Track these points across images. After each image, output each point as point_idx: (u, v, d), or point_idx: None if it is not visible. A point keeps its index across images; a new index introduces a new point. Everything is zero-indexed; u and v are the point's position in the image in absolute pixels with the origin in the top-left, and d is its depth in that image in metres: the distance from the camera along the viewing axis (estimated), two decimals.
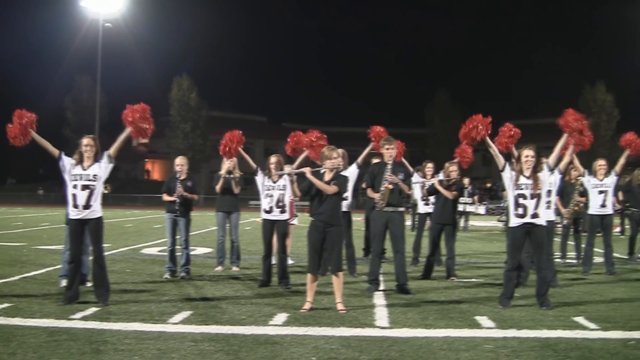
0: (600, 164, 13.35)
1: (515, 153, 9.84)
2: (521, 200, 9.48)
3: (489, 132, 9.71)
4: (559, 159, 10.43)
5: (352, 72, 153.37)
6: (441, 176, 12.78)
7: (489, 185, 62.00)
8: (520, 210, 9.48)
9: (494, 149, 9.84)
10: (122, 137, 9.50)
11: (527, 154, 9.56)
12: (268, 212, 11.16)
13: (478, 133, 9.66)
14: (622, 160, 13.33)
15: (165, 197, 12.18)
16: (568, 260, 15.34)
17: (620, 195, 16.89)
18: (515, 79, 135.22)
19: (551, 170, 9.98)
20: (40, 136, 9.35)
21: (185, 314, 8.56)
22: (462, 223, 26.49)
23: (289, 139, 11.59)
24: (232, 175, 12.93)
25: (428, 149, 73.44)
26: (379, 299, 10.06)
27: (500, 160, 9.74)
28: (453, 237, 12.47)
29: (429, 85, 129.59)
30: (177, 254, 12.22)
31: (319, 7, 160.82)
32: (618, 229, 24.27)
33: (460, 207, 23.58)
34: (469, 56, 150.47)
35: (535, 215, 9.47)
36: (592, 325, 8.26)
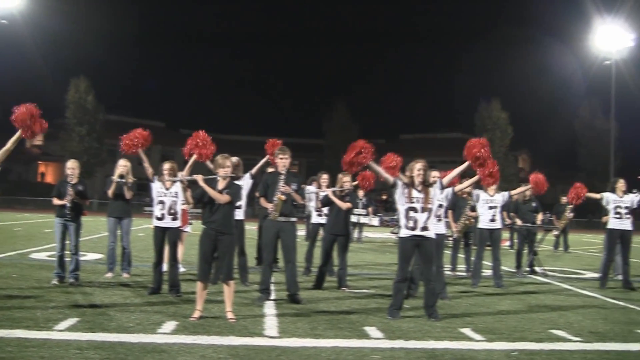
0: None
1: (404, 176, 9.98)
2: (412, 214, 9.62)
3: (373, 157, 9.77)
4: (453, 182, 10.78)
5: (250, 81, 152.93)
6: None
7: (384, 197, 62.84)
8: (411, 223, 9.61)
9: (380, 171, 10.01)
10: (13, 140, 9.30)
11: (420, 167, 9.71)
12: (160, 219, 11.05)
13: (363, 159, 9.72)
14: (520, 189, 14.00)
15: (56, 201, 11.92)
16: (458, 273, 15.66)
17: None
18: (415, 93, 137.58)
19: (443, 188, 10.21)
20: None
21: (71, 321, 8.39)
22: (355, 234, 26.72)
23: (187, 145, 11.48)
24: (124, 180, 12.75)
25: (325, 160, 73.80)
26: (269, 308, 10.07)
27: (388, 178, 9.89)
28: (346, 248, 12.56)
29: (328, 96, 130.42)
30: (67, 259, 11.97)
31: (219, 12, 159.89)
32: (507, 243, 24.94)
33: (354, 218, 23.84)
34: (368, 69, 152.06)
35: (425, 229, 9.64)
36: (477, 337, 8.50)
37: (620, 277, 14.72)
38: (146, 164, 11.33)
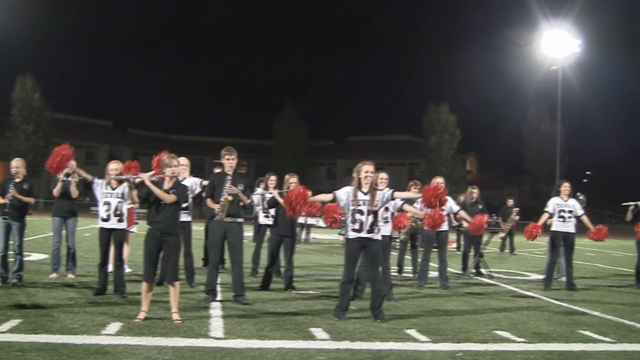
0: (438, 181, 13.74)
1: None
2: (358, 216, 9.62)
3: (308, 194, 10.00)
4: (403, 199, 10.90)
5: (201, 81, 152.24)
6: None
7: None
8: (357, 226, 9.62)
9: (319, 198, 10.24)
10: None
11: (367, 169, 9.71)
12: (105, 220, 10.89)
13: (302, 201, 9.91)
14: (466, 216, 14.54)
15: (0, 200, 11.76)
16: (405, 274, 15.73)
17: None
18: (364, 95, 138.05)
19: (393, 199, 10.19)
20: None
21: (14, 322, 8.26)
22: (303, 235, 26.73)
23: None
24: (70, 179, 12.61)
25: (274, 161, 73.98)
26: (215, 309, 10.02)
27: (329, 198, 9.99)
28: (292, 249, 12.60)
29: (277, 97, 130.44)
30: (10, 259, 11.81)
31: (168, 13, 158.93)
32: (454, 245, 25.10)
33: (302, 220, 23.83)
34: (318, 71, 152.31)
35: (371, 231, 9.66)
36: (423, 338, 8.52)
37: (564, 279, 14.91)
38: (82, 172, 11.25)
